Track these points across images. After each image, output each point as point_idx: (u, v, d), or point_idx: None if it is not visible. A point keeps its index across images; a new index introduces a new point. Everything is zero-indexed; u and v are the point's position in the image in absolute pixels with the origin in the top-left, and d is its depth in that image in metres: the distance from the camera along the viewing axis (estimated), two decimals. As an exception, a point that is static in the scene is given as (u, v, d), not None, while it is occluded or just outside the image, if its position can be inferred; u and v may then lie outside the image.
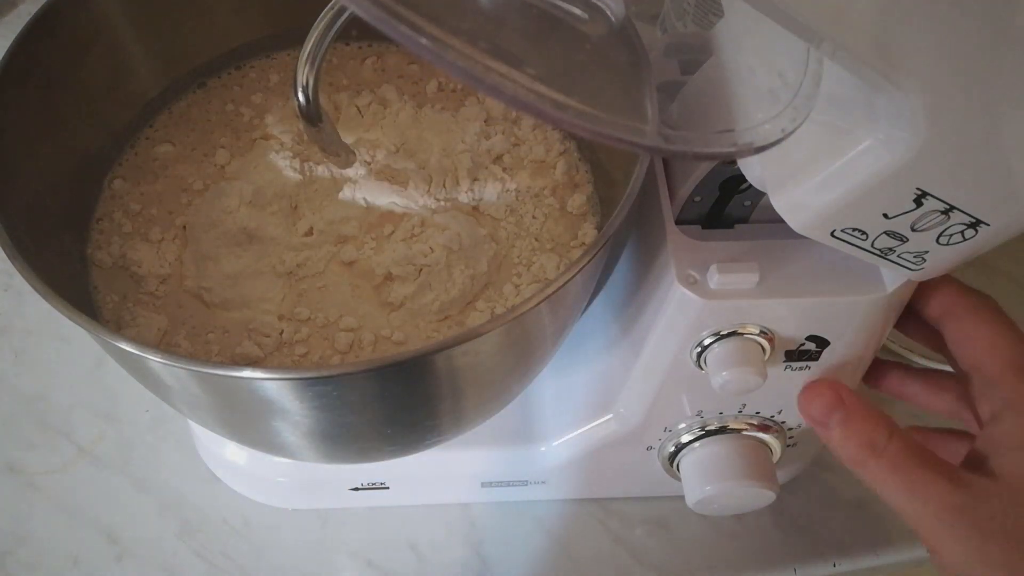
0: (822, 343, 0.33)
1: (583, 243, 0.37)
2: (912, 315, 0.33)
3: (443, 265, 0.35)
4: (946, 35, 0.21)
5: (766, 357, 0.33)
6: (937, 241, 0.27)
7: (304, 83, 0.30)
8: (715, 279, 0.31)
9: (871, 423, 0.30)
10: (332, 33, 0.30)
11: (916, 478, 0.28)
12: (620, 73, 0.29)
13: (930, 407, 0.35)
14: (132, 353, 0.26)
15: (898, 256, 0.28)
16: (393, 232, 0.36)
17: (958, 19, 0.21)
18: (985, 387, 0.30)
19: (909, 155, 0.23)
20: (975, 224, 0.26)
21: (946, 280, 0.31)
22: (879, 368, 0.37)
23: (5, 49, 0.32)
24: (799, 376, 0.34)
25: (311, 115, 0.31)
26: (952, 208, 0.25)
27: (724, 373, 0.32)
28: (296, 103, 0.31)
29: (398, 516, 0.45)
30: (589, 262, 0.28)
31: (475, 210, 0.38)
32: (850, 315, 0.31)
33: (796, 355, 0.33)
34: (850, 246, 0.28)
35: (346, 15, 0.30)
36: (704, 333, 0.32)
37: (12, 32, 0.32)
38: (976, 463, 0.29)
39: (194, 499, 0.45)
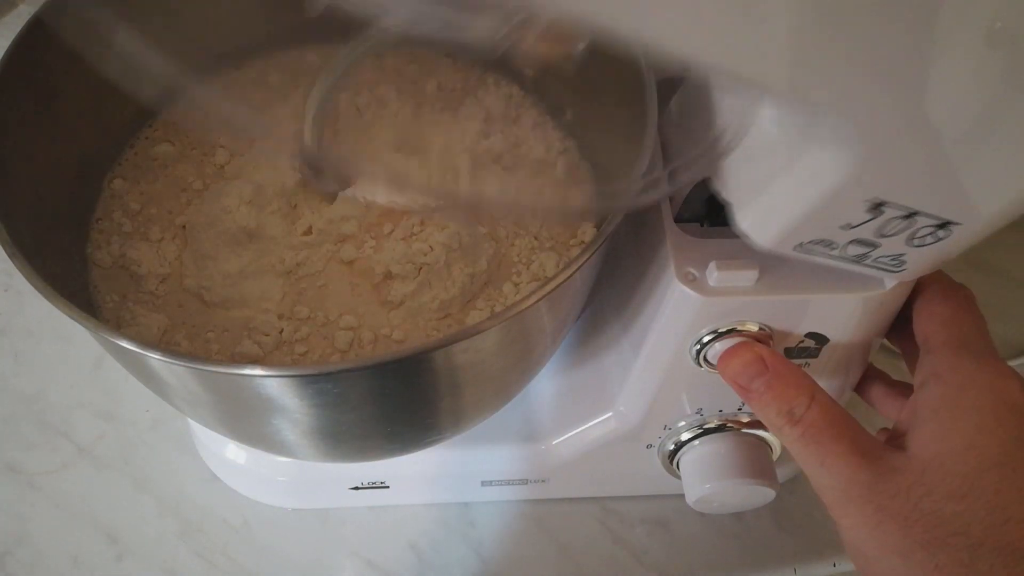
0: (821, 340, 0.33)
1: (582, 241, 0.37)
2: (901, 324, 0.33)
3: (443, 264, 0.35)
4: (862, 61, 0.21)
5: (765, 355, 0.33)
6: (910, 244, 0.27)
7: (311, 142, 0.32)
8: (714, 276, 0.31)
9: (793, 389, 0.29)
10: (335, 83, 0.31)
11: (828, 450, 0.28)
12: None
13: (888, 414, 0.35)
14: (132, 351, 0.26)
15: (874, 261, 0.28)
16: (393, 231, 0.36)
17: (871, 41, 0.21)
18: (924, 355, 0.30)
19: (851, 171, 0.24)
20: (944, 224, 0.26)
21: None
22: None
23: (4, 49, 0.32)
24: (799, 374, 0.34)
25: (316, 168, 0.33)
26: (915, 213, 0.25)
27: (723, 370, 0.32)
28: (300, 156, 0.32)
29: (398, 515, 0.45)
30: (588, 260, 0.28)
31: (475, 208, 0.38)
32: (849, 312, 0.32)
33: (796, 352, 0.33)
34: (820, 257, 0.28)
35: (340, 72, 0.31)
36: (703, 331, 0.32)
37: (12, 32, 0.32)
38: (897, 434, 0.29)
39: (194, 499, 0.45)
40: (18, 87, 0.33)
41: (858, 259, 0.28)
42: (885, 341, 0.35)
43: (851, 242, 0.27)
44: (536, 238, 0.38)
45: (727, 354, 0.31)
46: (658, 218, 0.33)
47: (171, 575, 0.43)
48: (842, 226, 0.26)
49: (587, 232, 0.37)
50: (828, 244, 0.27)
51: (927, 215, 0.25)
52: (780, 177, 0.26)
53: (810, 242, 0.27)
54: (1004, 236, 0.60)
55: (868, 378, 0.37)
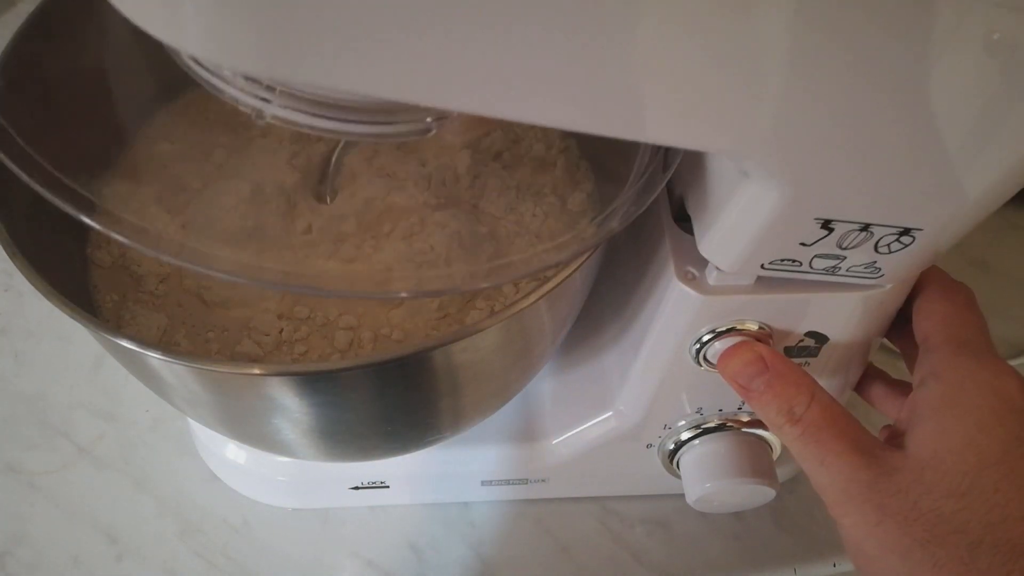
0: (821, 339, 0.33)
1: (583, 240, 0.37)
2: (901, 323, 0.33)
3: (443, 263, 0.35)
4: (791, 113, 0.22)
5: (765, 354, 0.33)
6: (878, 252, 0.27)
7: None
8: (713, 275, 0.31)
9: (793, 388, 0.29)
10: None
11: (828, 449, 0.28)
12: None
13: (887, 413, 0.35)
14: (133, 351, 0.26)
15: (847, 272, 0.28)
16: (392, 230, 0.36)
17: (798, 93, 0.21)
18: (924, 354, 0.30)
19: (787, 200, 0.24)
20: (906, 232, 0.26)
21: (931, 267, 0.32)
22: None
23: (3, 48, 0.32)
24: (798, 373, 0.34)
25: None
26: (868, 225, 0.25)
27: (723, 370, 0.32)
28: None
29: (398, 515, 0.45)
30: (587, 259, 0.28)
31: (475, 208, 0.38)
32: (849, 311, 0.31)
33: (795, 351, 0.33)
34: (790, 273, 0.28)
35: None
36: (703, 330, 0.32)
37: (11, 31, 0.32)
38: (896, 433, 0.29)
39: (194, 499, 0.45)
40: (17, 85, 0.33)
41: (829, 271, 0.28)
42: (885, 340, 0.35)
43: (815, 257, 0.27)
44: (537, 237, 0.38)
45: (727, 353, 0.31)
46: (658, 218, 0.33)
47: (171, 575, 0.43)
48: (800, 244, 0.26)
49: (587, 230, 0.37)
50: (793, 262, 0.27)
51: (881, 226, 0.25)
52: (725, 207, 0.27)
53: (772, 263, 0.27)
54: (1004, 236, 0.60)
55: (868, 377, 0.37)
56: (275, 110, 0.23)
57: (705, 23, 0.19)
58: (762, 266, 0.28)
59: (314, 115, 0.23)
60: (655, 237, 0.33)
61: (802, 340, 0.33)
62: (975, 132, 0.22)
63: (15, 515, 0.44)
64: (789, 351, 0.33)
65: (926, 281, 0.32)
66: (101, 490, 0.45)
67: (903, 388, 0.35)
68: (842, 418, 0.28)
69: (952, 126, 0.22)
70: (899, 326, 0.33)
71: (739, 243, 0.27)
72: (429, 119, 0.25)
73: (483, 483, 0.43)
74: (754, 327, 0.32)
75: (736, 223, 0.26)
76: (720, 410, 0.37)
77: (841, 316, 0.32)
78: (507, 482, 0.43)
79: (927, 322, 0.31)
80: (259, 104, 0.23)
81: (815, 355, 0.34)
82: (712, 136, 0.22)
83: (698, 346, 0.33)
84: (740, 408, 0.37)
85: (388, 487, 0.43)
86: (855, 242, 0.26)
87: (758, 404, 0.30)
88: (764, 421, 0.30)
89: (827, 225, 0.25)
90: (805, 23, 0.19)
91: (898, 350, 0.34)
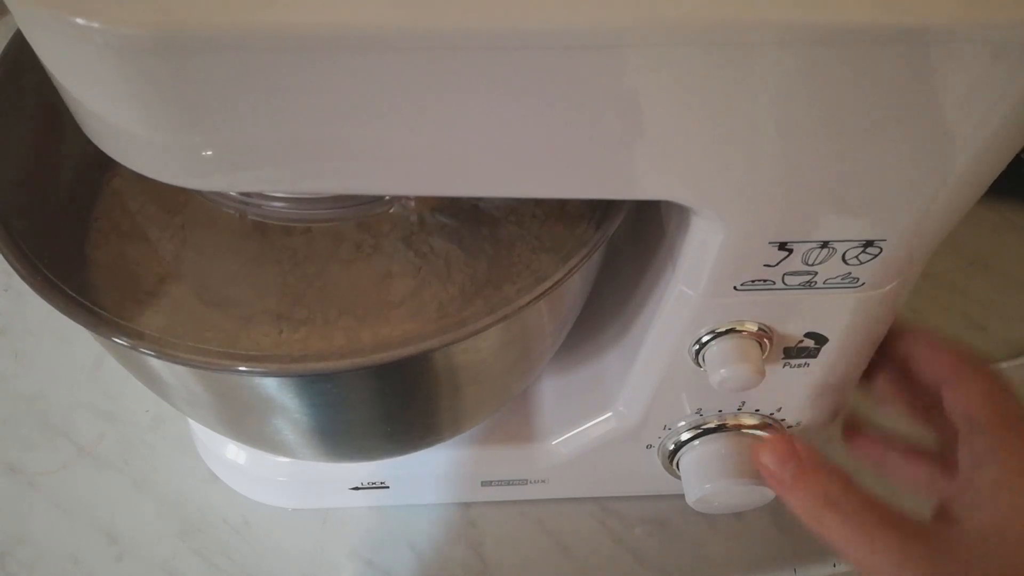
0: (821, 340, 0.33)
1: (583, 242, 0.37)
2: (901, 376, 0.33)
3: (442, 263, 0.35)
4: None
5: (764, 354, 0.32)
6: (846, 263, 0.27)
7: None
8: (713, 276, 0.31)
9: (825, 475, 0.29)
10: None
11: (876, 532, 0.28)
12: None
13: (907, 477, 0.35)
14: (132, 351, 0.26)
15: (824, 283, 0.28)
16: (391, 230, 0.36)
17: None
18: (973, 433, 0.30)
19: (735, 231, 0.25)
20: (869, 243, 0.26)
21: (946, 347, 0.32)
22: (859, 435, 0.36)
23: (2, 48, 0.32)
24: (798, 373, 0.34)
25: None
26: (827, 242, 0.25)
27: (722, 370, 0.32)
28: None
29: (398, 516, 0.45)
30: (587, 259, 0.28)
31: (475, 208, 0.38)
32: (848, 311, 0.31)
33: (795, 352, 0.33)
34: (766, 292, 0.28)
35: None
36: (702, 330, 0.32)
37: (11, 31, 0.32)
38: (945, 511, 0.29)
39: (194, 499, 0.45)
40: (17, 86, 0.33)
41: (807, 285, 0.28)
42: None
43: (785, 275, 0.27)
44: (537, 238, 0.37)
45: (760, 445, 0.32)
46: (657, 218, 0.33)
47: (171, 575, 0.43)
48: (764, 265, 0.26)
49: (588, 232, 0.37)
50: (765, 281, 0.28)
51: (841, 241, 0.25)
52: (685, 237, 0.27)
53: (743, 284, 0.27)
54: (1004, 236, 0.60)
55: (858, 435, 0.36)
56: (254, 210, 0.28)
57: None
58: (734, 288, 0.28)
59: (286, 209, 0.28)
60: (655, 237, 0.33)
61: (802, 341, 0.33)
62: (909, 149, 0.22)
63: (15, 515, 0.44)
64: (789, 352, 0.33)
65: (947, 366, 0.32)
66: (101, 490, 0.45)
67: (920, 454, 0.35)
68: (879, 503, 0.28)
69: (887, 147, 0.22)
70: (926, 408, 0.33)
71: (704, 270, 0.27)
72: (387, 196, 0.28)
73: (483, 483, 0.43)
74: (754, 327, 0.32)
75: (695, 252, 0.27)
76: (720, 411, 0.37)
77: (841, 317, 0.32)
78: (507, 482, 0.43)
79: (966, 404, 0.30)
80: (241, 208, 0.28)
81: (815, 356, 0.34)
82: (634, 187, 0.23)
83: (697, 347, 0.33)
84: (740, 409, 0.37)
85: (388, 487, 0.43)
86: (820, 258, 0.26)
87: (793, 493, 0.30)
88: (803, 516, 0.30)
89: (784, 247, 0.25)
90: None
91: (935, 432, 0.34)
